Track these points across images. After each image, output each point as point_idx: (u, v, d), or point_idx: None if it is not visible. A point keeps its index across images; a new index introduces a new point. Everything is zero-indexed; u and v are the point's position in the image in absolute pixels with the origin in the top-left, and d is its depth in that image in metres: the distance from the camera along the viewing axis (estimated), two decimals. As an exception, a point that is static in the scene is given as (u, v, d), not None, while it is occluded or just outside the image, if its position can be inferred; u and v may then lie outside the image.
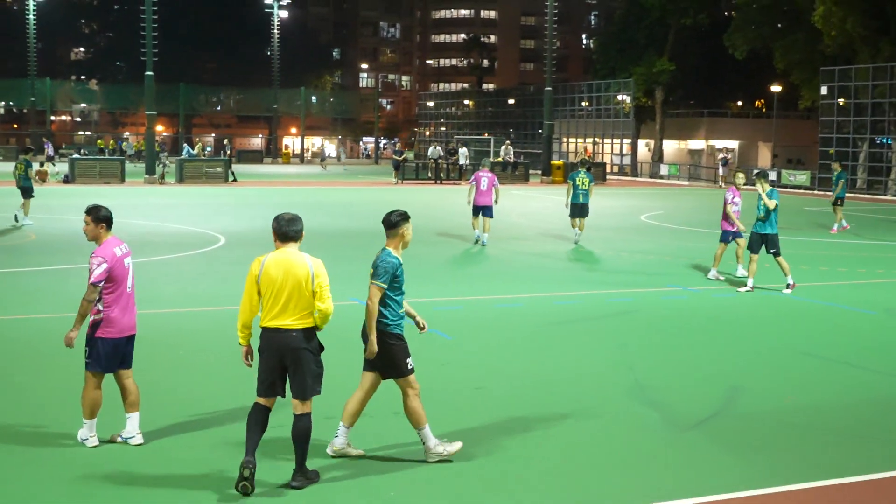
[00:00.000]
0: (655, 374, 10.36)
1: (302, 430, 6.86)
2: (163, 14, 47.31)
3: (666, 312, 14.01)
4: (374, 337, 7.30)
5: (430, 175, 51.16)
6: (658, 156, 69.70)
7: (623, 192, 45.58)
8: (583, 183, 22.46)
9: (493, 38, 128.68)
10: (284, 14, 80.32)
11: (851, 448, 8.12)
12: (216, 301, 14.17)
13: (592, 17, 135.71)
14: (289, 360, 6.90)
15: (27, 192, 24.50)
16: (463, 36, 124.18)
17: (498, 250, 21.20)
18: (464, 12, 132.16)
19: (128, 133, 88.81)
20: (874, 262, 20.14)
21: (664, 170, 62.40)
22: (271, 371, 6.94)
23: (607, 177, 56.42)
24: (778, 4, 56.64)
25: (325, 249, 20.92)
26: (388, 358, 7.38)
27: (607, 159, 63.96)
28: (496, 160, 52.57)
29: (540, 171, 54.93)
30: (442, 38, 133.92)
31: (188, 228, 24.46)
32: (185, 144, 58.00)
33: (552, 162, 54.77)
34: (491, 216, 22.10)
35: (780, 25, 58.08)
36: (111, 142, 75.36)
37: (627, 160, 64.68)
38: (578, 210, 22.53)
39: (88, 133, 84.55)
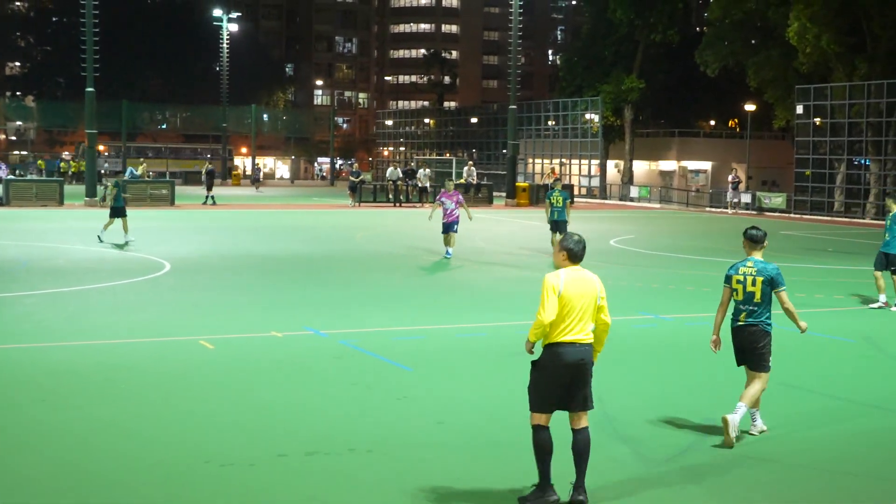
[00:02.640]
0: (626, 406, 10.40)
1: (586, 444, 7.47)
2: (104, 27, 47.07)
3: (637, 342, 14.08)
4: (803, 324, 9.42)
5: (388, 197, 51.22)
6: (628, 177, 70.27)
7: (592, 216, 45.87)
8: (557, 201, 25.30)
9: (454, 54, 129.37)
10: (234, 28, 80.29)
11: (830, 483, 8.19)
12: (160, 332, 14.05)
13: (558, 33, 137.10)
14: (577, 373, 7.47)
15: (119, 213, 27.20)
16: (423, 51, 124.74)
17: (461, 277, 21.24)
18: (424, 27, 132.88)
19: (66, 153, 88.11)
20: (852, 287, 20.40)
21: (634, 192, 62.90)
22: (559, 386, 7.50)
23: (575, 199, 56.64)
24: (750, 20, 57.42)
25: (277, 275, 20.84)
26: (761, 352, 9.22)
27: (575, 181, 64.30)
28: (458, 182, 52.71)
29: (504, 194, 55.13)
30: (401, 53, 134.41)
31: (131, 254, 24.27)
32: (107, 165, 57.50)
33: (517, 184, 54.93)
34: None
35: (753, 42, 58.88)
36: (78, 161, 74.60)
37: (596, 182, 65.06)
38: (556, 226, 25.35)
39: (24, 153, 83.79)
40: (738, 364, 9.47)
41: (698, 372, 12.27)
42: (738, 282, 9.22)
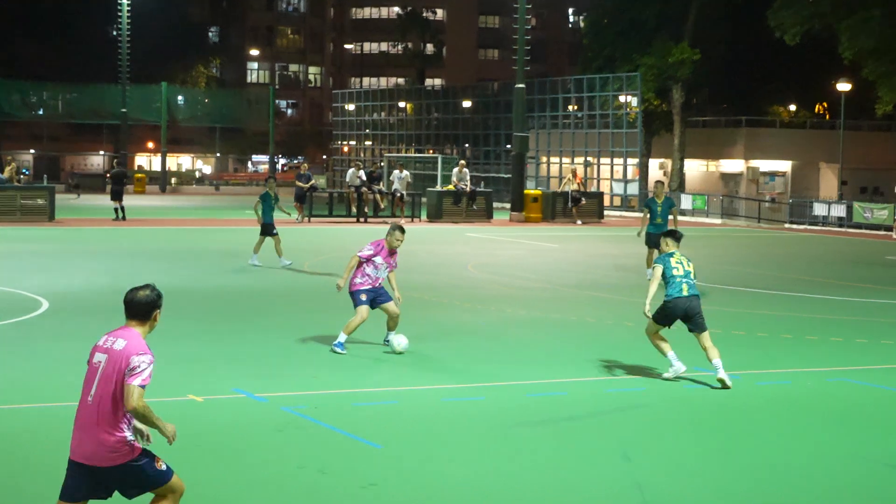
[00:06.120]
0: (672, 494, 10.41)
1: None
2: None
3: (686, 407, 14.09)
4: None
5: (349, 210, 50.57)
6: (677, 182, 70.29)
7: (629, 236, 45.82)
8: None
9: (439, 14, 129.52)
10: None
11: None
12: (30, 395, 13.97)
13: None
14: None
15: (267, 230, 30.42)
16: (396, 10, 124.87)
17: (449, 319, 21.20)
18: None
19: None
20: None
21: (687, 202, 62.87)
22: None
23: (605, 212, 56.53)
24: (843, -31, 57.67)
25: (196, 317, 20.77)
26: (702, 315, 15.52)
27: (605, 187, 64.13)
28: (447, 188, 52.36)
29: (508, 205, 54.99)
30: (366, 12, 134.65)
31: (-6, 288, 24.23)
32: None
33: (526, 191, 54.34)
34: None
35: (846, -1, 59.18)
36: None
37: (634, 189, 64.73)
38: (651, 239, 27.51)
39: None
40: (669, 326, 15.51)
41: (761, 443, 12.25)
42: (675, 266, 15.38)
